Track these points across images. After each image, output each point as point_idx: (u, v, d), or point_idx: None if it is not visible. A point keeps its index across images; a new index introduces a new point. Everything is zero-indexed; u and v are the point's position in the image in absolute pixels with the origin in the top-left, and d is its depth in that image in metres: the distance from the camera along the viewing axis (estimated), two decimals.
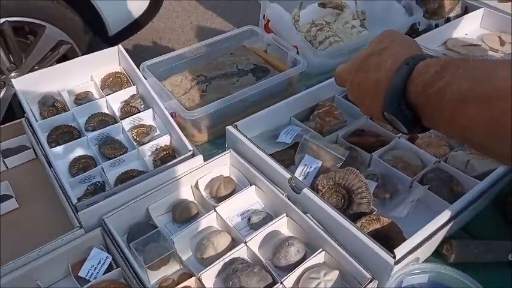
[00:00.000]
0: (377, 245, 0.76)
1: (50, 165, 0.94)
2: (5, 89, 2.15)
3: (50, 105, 1.05)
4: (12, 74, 2.14)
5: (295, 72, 1.20)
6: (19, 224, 0.92)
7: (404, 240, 0.80)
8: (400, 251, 0.75)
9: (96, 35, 2.33)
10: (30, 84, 1.05)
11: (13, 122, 1.07)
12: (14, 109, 2.21)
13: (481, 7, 1.54)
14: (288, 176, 0.89)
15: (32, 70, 2.18)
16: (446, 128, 0.51)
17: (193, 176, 0.95)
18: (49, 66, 2.20)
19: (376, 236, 0.79)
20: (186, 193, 0.95)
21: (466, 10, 1.60)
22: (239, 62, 1.26)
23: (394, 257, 0.74)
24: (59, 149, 0.97)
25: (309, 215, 0.85)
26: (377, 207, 0.89)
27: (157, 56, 1.20)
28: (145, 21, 2.60)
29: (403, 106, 0.53)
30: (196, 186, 0.95)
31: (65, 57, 2.24)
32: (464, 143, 0.54)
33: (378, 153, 1.01)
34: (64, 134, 1.01)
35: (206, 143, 1.13)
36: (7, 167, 1.03)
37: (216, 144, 1.12)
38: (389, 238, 0.82)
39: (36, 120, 1.02)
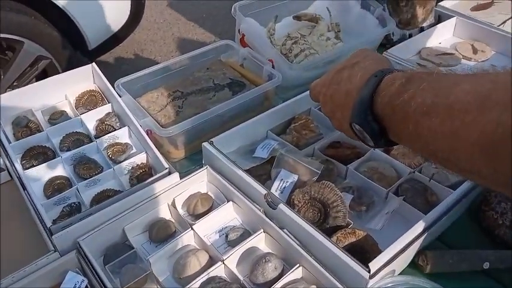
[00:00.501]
0: (352, 260, 0.76)
1: (24, 188, 0.93)
2: None
3: (24, 125, 1.04)
4: None
5: (271, 86, 1.21)
6: None
7: (379, 252, 0.81)
8: (374, 265, 0.76)
9: (76, 50, 2.32)
10: (4, 105, 1.03)
11: None
12: None
13: (454, 16, 1.58)
14: (264, 191, 0.89)
15: (11, 86, 2.15)
16: (411, 140, 0.52)
17: (170, 193, 0.95)
18: (28, 81, 2.19)
19: (351, 249, 0.80)
20: (163, 212, 0.94)
21: (439, 19, 1.63)
22: (215, 76, 1.26)
23: (369, 271, 0.75)
24: (33, 170, 0.96)
25: (285, 230, 0.85)
26: (353, 220, 0.90)
27: (139, 68, 1.19)
28: (126, 34, 2.60)
29: (369, 117, 0.54)
30: (173, 204, 0.95)
31: (44, 73, 2.23)
32: (429, 158, 0.54)
33: (353, 165, 1.02)
34: (38, 155, 1.00)
35: (183, 159, 1.12)
36: None
37: (193, 160, 1.12)
38: (365, 251, 0.83)
39: (9, 142, 1.00)
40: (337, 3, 1.58)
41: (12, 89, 2.16)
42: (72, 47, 2.28)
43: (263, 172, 1.01)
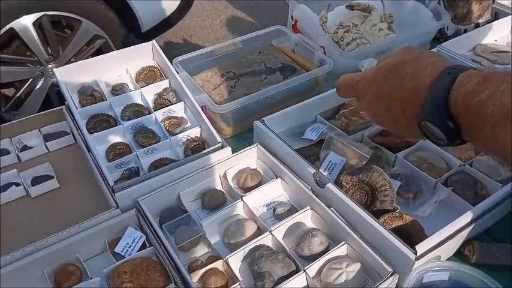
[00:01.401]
0: (399, 241, 0.78)
1: (89, 150, 1.00)
2: (42, 79, 2.25)
3: (89, 94, 1.11)
4: (50, 66, 2.24)
5: (322, 72, 1.23)
6: (60, 202, 0.99)
7: (426, 238, 0.82)
8: (421, 248, 0.78)
9: (129, 31, 2.41)
10: (71, 75, 1.11)
11: (54, 109, 1.14)
12: (51, 98, 2.31)
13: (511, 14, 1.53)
14: (313, 171, 0.92)
15: (68, 62, 2.27)
16: (486, 142, 0.49)
17: (221, 166, 0.99)
18: (84, 59, 2.30)
19: (398, 232, 0.82)
20: (214, 182, 0.99)
21: (496, 16, 1.59)
22: (267, 60, 1.29)
23: (416, 253, 0.76)
24: (97, 135, 1.03)
25: (332, 208, 0.88)
26: (400, 207, 0.92)
27: (188, 52, 1.24)
28: (177, 19, 2.67)
29: (445, 115, 0.51)
30: (225, 176, 1.00)
31: (99, 51, 2.33)
32: (504, 161, 0.53)
33: (402, 154, 1.03)
34: (101, 122, 1.07)
35: (233, 137, 1.17)
36: (48, 150, 1.09)
37: (243, 138, 1.16)
38: (411, 235, 0.85)
39: (76, 108, 1.08)
40: None
41: None
42: (126, 29, 2.37)
43: (311, 153, 1.04)
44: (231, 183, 0.99)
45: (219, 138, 1.01)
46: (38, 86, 2.26)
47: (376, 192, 0.90)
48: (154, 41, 1.18)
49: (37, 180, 1.01)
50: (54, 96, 2.33)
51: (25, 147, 1.09)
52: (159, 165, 1.02)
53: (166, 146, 1.06)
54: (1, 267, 0.79)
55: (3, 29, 2.02)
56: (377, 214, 0.87)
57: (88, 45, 2.29)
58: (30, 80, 2.23)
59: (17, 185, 1.00)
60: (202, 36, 3.42)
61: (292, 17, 1.40)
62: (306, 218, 0.92)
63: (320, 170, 0.97)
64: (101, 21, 2.26)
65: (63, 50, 2.24)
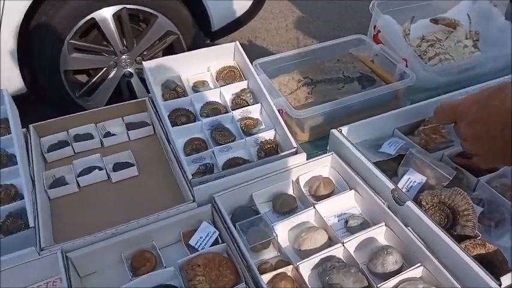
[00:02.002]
0: (482, 270, 0.75)
1: (169, 142, 1.05)
2: (115, 69, 2.38)
3: (172, 89, 1.16)
4: (124, 57, 2.36)
5: (403, 86, 1.21)
6: (138, 189, 1.04)
7: (509, 270, 0.78)
8: (506, 280, 0.74)
9: (200, 29, 2.49)
10: (157, 69, 1.17)
11: (137, 100, 1.20)
12: (121, 88, 2.43)
13: None
14: (392, 186, 0.91)
15: (141, 55, 2.39)
16: None
17: (295, 171, 1.01)
18: (155, 54, 2.41)
19: (479, 261, 0.79)
20: (286, 186, 1.01)
21: None
22: (345, 68, 1.29)
23: (500, 285, 0.73)
24: (177, 128, 1.07)
25: (409, 228, 0.86)
26: (481, 233, 0.88)
27: (251, 55, 1.26)
28: (246, 20, 2.73)
29: None
30: (297, 181, 1.01)
31: (170, 47, 2.43)
32: None
33: (485, 179, 0.99)
34: (182, 117, 1.12)
35: (307, 143, 1.18)
36: (129, 139, 1.16)
37: (316, 145, 1.16)
38: (493, 265, 0.81)
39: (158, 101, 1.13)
40: (479, 11, 1.51)
41: (142, 58, 2.40)
42: (198, 27, 2.45)
43: (388, 168, 1.02)
44: (303, 189, 1.00)
45: (294, 143, 1.03)
46: (110, 75, 2.39)
47: (457, 216, 0.87)
48: (237, 42, 1.22)
49: (118, 167, 1.07)
50: (125, 86, 2.46)
51: (108, 134, 1.16)
52: (232, 163, 1.05)
53: (241, 145, 1.09)
54: (83, 246, 0.84)
55: (85, 19, 2.16)
56: (457, 239, 0.84)
57: (160, 40, 2.40)
58: (104, 69, 2.36)
59: (100, 169, 1.06)
60: (267, 39, 3.46)
61: (374, 26, 1.38)
62: (379, 234, 0.91)
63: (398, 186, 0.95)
64: (176, 18, 2.35)
65: (137, 43, 2.36)
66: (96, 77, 2.37)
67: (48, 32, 2.07)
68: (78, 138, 1.13)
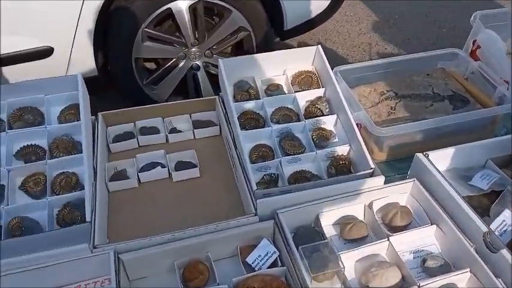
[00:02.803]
0: None
1: (235, 146, 1.00)
2: (184, 61, 2.39)
3: (245, 90, 1.11)
4: (193, 49, 2.36)
5: (502, 111, 1.07)
6: (198, 193, 1.01)
7: None
8: None
9: (271, 27, 2.43)
10: (232, 67, 1.12)
11: (207, 98, 1.18)
12: (187, 81, 2.44)
13: None
14: (484, 228, 0.79)
15: (210, 49, 2.38)
16: None
17: (368, 195, 0.92)
18: (224, 48, 2.39)
19: None
20: (357, 210, 0.92)
21: None
22: (436, 85, 1.17)
23: None
24: (245, 133, 1.02)
25: (500, 280, 0.74)
26: None
27: None
28: (321, 21, 2.62)
29: None
30: (370, 207, 0.92)
31: (240, 43, 2.40)
32: None
33: None
34: (251, 120, 1.06)
35: (383, 163, 1.07)
36: (194, 137, 1.12)
37: (393, 167, 1.06)
38: None
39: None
40: None
41: (211, 52, 2.39)
42: (270, 24, 2.39)
43: (478, 205, 0.90)
44: (376, 217, 0.91)
45: (372, 164, 0.93)
46: (178, 67, 2.40)
47: None
48: (319, 46, 1.14)
49: (181, 166, 1.04)
50: (190, 79, 2.46)
51: (174, 130, 1.13)
52: (299, 177, 0.98)
53: (310, 158, 1.01)
54: (137, 249, 0.81)
55: (162, 8, 2.18)
56: None
57: (231, 35, 2.37)
58: (173, 60, 2.38)
59: (163, 166, 1.04)
60: (338, 42, 3.32)
61: (474, 41, 1.24)
62: (461, 281, 0.80)
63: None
64: (250, 14, 2.31)
65: (208, 36, 2.35)
66: (164, 67, 2.40)
67: (126, 17, 2.10)
68: (144, 131, 1.12)
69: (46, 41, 1.91)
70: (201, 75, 2.46)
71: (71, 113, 1.04)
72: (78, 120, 1.01)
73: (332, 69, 1.10)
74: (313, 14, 2.50)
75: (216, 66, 2.41)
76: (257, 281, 0.77)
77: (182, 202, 0.99)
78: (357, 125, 1.03)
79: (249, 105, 1.09)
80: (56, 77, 1.07)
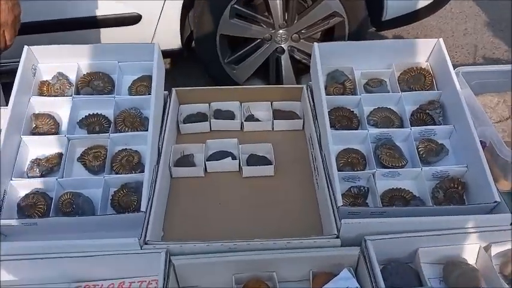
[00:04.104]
0: None
1: (321, 148, 0.83)
2: (269, 43, 2.25)
3: (340, 82, 0.94)
4: (280, 31, 2.21)
5: None
6: (270, 194, 0.87)
7: None
8: None
9: (368, 16, 2.21)
10: (327, 54, 0.95)
11: (293, 86, 1.04)
12: (269, 64, 2.31)
13: None
14: None
15: (298, 33, 2.21)
16: None
17: (487, 236, 0.71)
18: (313, 34, 2.22)
19: None
20: (468, 252, 0.72)
21: None
22: None
23: None
24: (334, 132, 0.85)
25: None
26: None
27: None
28: (424, 15, 2.34)
29: None
30: (488, 251, 0.71)
31: (331, 30, 2.20)
32: None
33: None
34: (343, 119, 0.90)
35: (508, 193, 0.84)
36: (273, 128, 0.98)
37: None
38: None
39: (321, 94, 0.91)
40: None
41: (299, 36, 2.23)
42: (367, 13, 2.17)
43: None
44: (493, 265, 0.69)
45: (496, 196, 0.73)
46: (262, 48, 2.27)
47: None
48: (441, 39, 0.93)
49: (254, 160, 0.90)
50: (273, 63, 2.32)
51: (251, 117, 1.00)
52: (396, 197, 0.80)
53: (413, 175, 0.83)
54: (191, 253, 0.69)
55: None
56: None
57: (323, 21, 2.18)
58: (258, 40, 2.25)
59: (234, 158, 0.90)
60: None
61: None
62: None
63: None
64: (346, 0, 2.11)
65: (298, 19, 2.19)
66: (248, 47, 2.28)
67: None
68: (218, 114, 0.99)
69: (135, 8, 1.89)
70: (285, 59, 2.32)
71: (143, 84, 0.94)
72: (149, 94, 0.90)
73: None
74: (417, 6, 2.24)
75: (302, 52, 2.26)
76: None
77: (250, 203, 0.85)
78: (481, 142, 0.81)
79: (343, 100, 0.91)
80: (132, 44, 0.98)
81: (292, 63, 2.32)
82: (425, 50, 0.95)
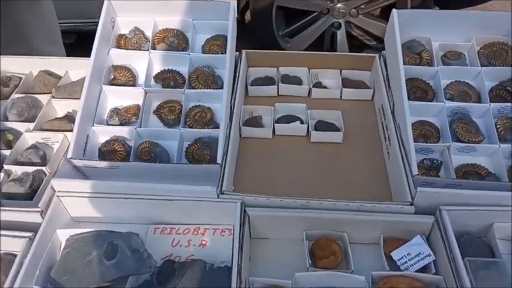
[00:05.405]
0: None
1: (394, 119, 0.85)
2: (326, 17, 2.24)
3: (416, 52, 0.94)
4: (339, 5, 2.19)
5: None
6: (338, 160, 0.90)
7: None
8: None
9: None
10: (405, 22, 0.94)
11: (364, 55, 1.04)
12: (324, 38, 2.30)
13: None
14: None
15: (357, 8, 2.18)
16: None
17: None
18: (371, 10, 2.18)
19: None
20: None
21: None
22: None
23: None
24: (409, 103, 0.85)
25: None
26: None
27: None
28: None
29: None
30: None
31: (391, 6, 2.16)
32: None
33: None
34: (418, 90, 0.90)
35: None
36: (341, 97, 1.00)
37: None
38: None
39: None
40: None
41: (357, 12, 2.20)
42: None
43: None
44: None
45: None
46: (319, 22, 2.26)
47: None
48: None
49: (322, 126, 0.93)
50: (328, 38, 2.31)
51: (319, 84, 1.02)
52: (470, 172, 0.81)
53: (489, 151, 0.83)
54: (265, 207, 0.73)
55: None
56: None
57: None
58: (315, 14, 2.24)
59: (302, 122, 0.93)
60: None
61: None
62: None
63: None
64: None
65: None
66: (304, 20, 2.27)
67: None
68: (285, 79, 1.02)
69: None
70: (341, 34, 2.30)
71: (216, 43, 0.97)
72: (222, 53, 0.94)
73: None
74: None
75: (360, 28, 2.25)
76: (404, 283, 0.65)
77: (318, 167, 0.88)
78: None
79: (419, 71, 0.92)
80: (207, 1, 1.00)
81: (348, 39, 2.30)
82: (509, 25, 0.94)
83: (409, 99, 0.88)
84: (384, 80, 0.94)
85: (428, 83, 0.91)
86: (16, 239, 0.70)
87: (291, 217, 0.73)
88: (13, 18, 1.20)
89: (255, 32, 2.28)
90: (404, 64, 0.92)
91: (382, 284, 0.65)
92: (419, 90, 0.90)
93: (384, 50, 1.00)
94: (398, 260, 0.69)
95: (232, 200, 0.73)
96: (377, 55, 1.00)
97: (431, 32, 0.96)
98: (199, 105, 0.91)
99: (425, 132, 0.86)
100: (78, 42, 2.05)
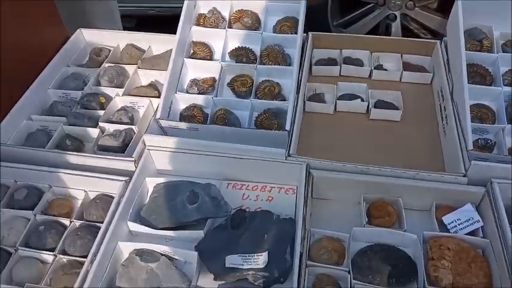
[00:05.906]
0: None
1: (453, 100, 0.91)
2: (382, 8, 2.27)
3: (477, 39, 1.00)
4: None
5: None
6: (396, 137, 0.98)
7: None
8: None
9: None
10: (470, 10, 0.99)
11: (425, 40, 1.11)
12: (378, 30, 2.34)
13: None
14: None
15: (413, 0, 2.21)
16: None
17: None
18: (430, 3, 2.19)
19: None
20: None
21: None
22: None
23: None
24: (469, 86, 0.91)
25: None
26: None
27: None
28: None
29: None
30: None
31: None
32: None
33: None
34: (476, 75, 0.97)
35: None
36: (400, 80, 1.07)
37: None
38: None
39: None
40: None
41: (414, 4, 2.22)
42: None
43: None
44: None
45: None
46: (374, 13, 2.30)
47: None
48: None
49: (382, 105, 1.00)
50: (383, 30, 2.34)
51: (380, 67, 1.09)
52: None
53: None
54: (328, 170, 0.82)
55: None
56: None
57: None
58: (371, 5, 2.28)
59: (362, 100, 1.02)
60: None
61: None
62: None
63: None
64: None
65: None
66: (359, 11, 2.32)
67: None
68: (348, 61, 1.10)
69: None
70: (395, 27, 2.33)
71: (286, 25, 1.07)
72: (291, 33, 1.04)
73: None
74: None
75: (415, 21, 2.27)
76: (453, 243, 0.72)
77: (377, 142, 0.96)
78: None
79: (479, 57, 0.98)
80: None
81: (402, 32, 2.32)
82: None
83: (468, 83, 0.95)
84: (444, 64, 1.00)
85: (487, 69, 0.97)
86: (113, 182, 0.84)
87: (351, 180, 0.82)
88: None
89: (309, 21, 2.35)
90: (465, 50, 0.99)
91: (432, 242, 0.73)
92: (478, 76, 0.96)
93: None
94: (449, 224, 0.76)
95: (299, 162, 0.83)
96: (438, 41, 1.06)
97: (493, 21, 1.02)
98: (269, 80, 1.01)
99: (481, 114, 0.92)
100: (138, 27, 2.20)
